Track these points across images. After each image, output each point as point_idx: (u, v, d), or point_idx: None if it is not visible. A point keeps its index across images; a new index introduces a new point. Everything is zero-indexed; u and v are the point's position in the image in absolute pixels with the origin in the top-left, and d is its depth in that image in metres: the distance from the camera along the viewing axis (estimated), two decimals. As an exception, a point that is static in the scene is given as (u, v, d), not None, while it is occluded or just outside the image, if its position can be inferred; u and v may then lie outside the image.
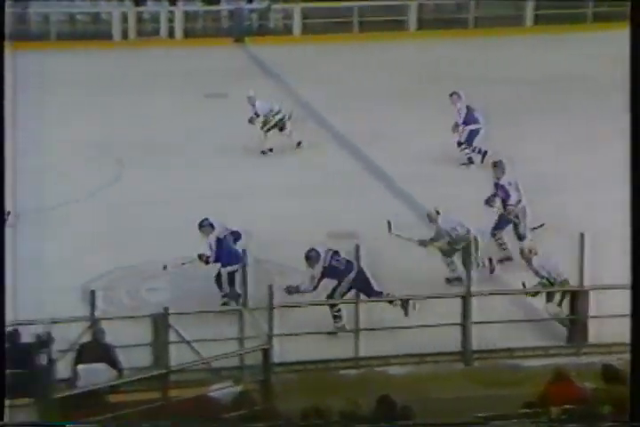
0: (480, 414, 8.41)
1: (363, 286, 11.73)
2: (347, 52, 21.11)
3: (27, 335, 9.95)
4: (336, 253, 11.85)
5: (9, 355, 9.73)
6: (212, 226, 12.13)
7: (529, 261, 11.70)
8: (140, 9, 23.07)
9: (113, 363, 10.16)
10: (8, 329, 9.97)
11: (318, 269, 11.72)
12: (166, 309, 10.73)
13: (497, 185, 13.29)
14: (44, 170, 15.73)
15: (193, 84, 19.33)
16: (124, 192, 15.21)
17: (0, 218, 7.72)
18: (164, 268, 12.32)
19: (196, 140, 16.94)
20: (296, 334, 11.41)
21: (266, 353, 10.00)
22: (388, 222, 12.57)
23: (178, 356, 10.20)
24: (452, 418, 8.46)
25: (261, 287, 11.09)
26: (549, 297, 11.58)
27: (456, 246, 12.46)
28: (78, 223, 14.14)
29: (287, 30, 23.23)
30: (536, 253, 11.73)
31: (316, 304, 11.72)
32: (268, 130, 16.52)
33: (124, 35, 22.73)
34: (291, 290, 11.70)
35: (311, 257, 11.76)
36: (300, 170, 15.97)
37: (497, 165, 13.42)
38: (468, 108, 15.92)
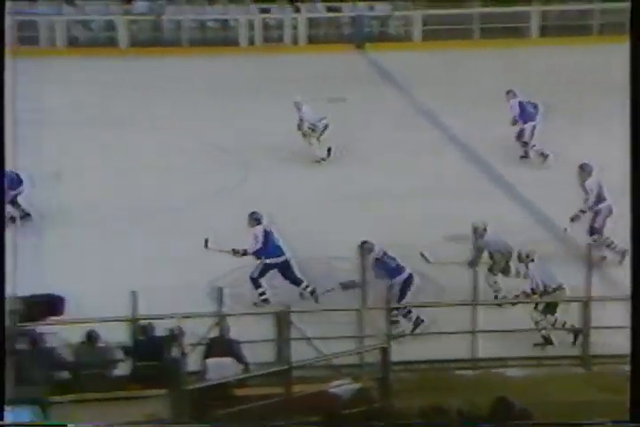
0: (599, 419, 8.28)
1: (405, 292, 11.70)
2: (467, 59, 20.95)
3: (160, 329, 10.17)
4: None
5: (144, 347, 10.04)
6: (258, 220, 12.45)
7: (526, 266, 11.55)
8: (266, 16, 23.33)
9: (239, 358, 10.31)
10: (143, 323, 10.29)
11: (370, 259, 11.78)
12: (288, 306, 10.85)
13: (583, 187, 13.19)
14: (175, 170, 16.11)
15: (315, 88, 19.45)
16: (250, 193, 15.38)
17: (0, 219, 7.50)
18: (206, 244, 12.42)
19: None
20: (415, 334, 11.49)
21: (384, 352, 10.02)
22: (422, 254, 12.40)
23: (299, 352, 10.32)
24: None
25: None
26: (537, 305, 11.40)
27: (501, 260, 12.22)
28: (205, 222, 14.35)
29: (407, 37, 23.21)
30: (532, 260, 11.56)
31: (433, 306, 11.71)
32: (317, 138, 16.42)
33: (251, 41, 23.02)
34: (346, 286, 11.81)
35: (365, 247, 11.85)
36: (419, 173, 15.94)
37: (583, 168, 13.30)
38: (523, 104, 16.08)
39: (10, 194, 13.84)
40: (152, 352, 9.95)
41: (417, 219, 14.09)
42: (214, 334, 10.44)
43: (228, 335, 10.50)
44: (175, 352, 9.96)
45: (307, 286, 12.44)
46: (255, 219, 12.53)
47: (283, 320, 10.66)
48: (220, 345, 10.31)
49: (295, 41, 23.11)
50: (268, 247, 12.35)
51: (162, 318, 10.32)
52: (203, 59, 21.46)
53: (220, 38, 23.02)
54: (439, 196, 15.01)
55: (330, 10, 23.59)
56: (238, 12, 23.29)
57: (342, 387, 9.81)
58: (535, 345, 11.37)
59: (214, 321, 10.53)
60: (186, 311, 10.56)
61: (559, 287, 11.39)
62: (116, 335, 10.26)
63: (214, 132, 17.46)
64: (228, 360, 10.18)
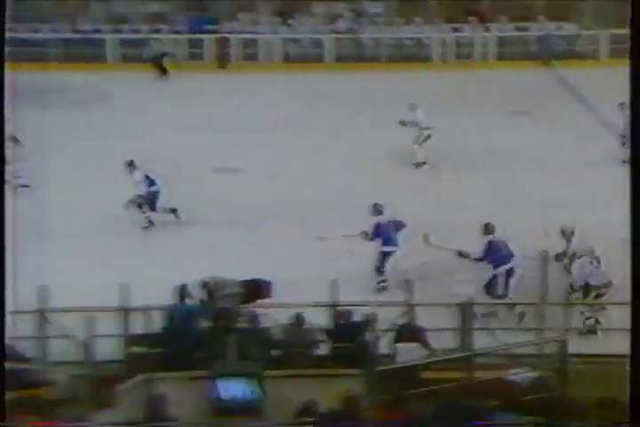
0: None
1: (508, 282, 11.56)
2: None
3: (357, 315, 10.35)
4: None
5: (343, 331, 10.20)
6: (379, 211, 12.52)
7: (570, 263, 11.15)
8: (458, 35, 23.28)
9: (425, 343, 10.37)
10: (342, 309, 10.47)
11: (486, 240, 11.81)
12: (472, 299, 10.84)
13: None
14: (368, 173, 16.28)
15: (502, 102, 19.32)
16: (439, 195, 15.40)
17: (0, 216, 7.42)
18: (319, 238, 12.65)
19: (497, 152, 16.93)
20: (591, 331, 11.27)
21: (562, 344, 9.88)
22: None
23: (480, 341, 10.30)
24: None
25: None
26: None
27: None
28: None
29: (594, 55, 22.63)
30: (580, 257, 11.03)
31: (608, 304, 11.44)
32: (419, 144, 16.51)
33: (444, 58, 23.01)
34: (462, 255, 11.89)
35: (488, 229, 11.89)
36: (600, 183, 15.57)
37: None
38: None
39: (148, 192, 14.24)
40: (349, 335, 10.11)
41: (595, 226, 13.74)
42: (403, 321, 10.55)
43: (416, 323, 10.59)
44: (369, 336, 10.11)
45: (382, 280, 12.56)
46: (377, 210, 12.64)
47: (466, 311, 10.67)
48: (409, 331, 10.40)
49: (485, 58, 22.97)
50: (383, 237, 12.47)
51: (358, 305, 10.50)
52: (399, 74, 21.64)
53: (415, 55, 23.17)
54: (620, 204, 14.57)
55: (518, 29, 23.35)
56: (432, 31, 23.35)
57: (521, 375, 9.72)
58: (580, 335, 11.07)
59: (404, 310, 10.64)
60: (378, 300, 10.77)
61: (604, 285, 11.02)
62: (318, 319, 10.49)
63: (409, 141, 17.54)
64: (414, 345, 10.27)
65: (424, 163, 16.60)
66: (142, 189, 14.23)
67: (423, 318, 10.69)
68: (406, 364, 9.78)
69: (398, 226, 12.62)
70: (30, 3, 22.95)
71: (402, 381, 9.49)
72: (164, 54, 21.94)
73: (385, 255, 12.56)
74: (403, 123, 16.55)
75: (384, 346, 10.24)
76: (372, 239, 12.53)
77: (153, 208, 14.31)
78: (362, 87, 20.58)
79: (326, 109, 19.19)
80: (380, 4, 23.96)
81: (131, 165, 14.35)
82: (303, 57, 23.08)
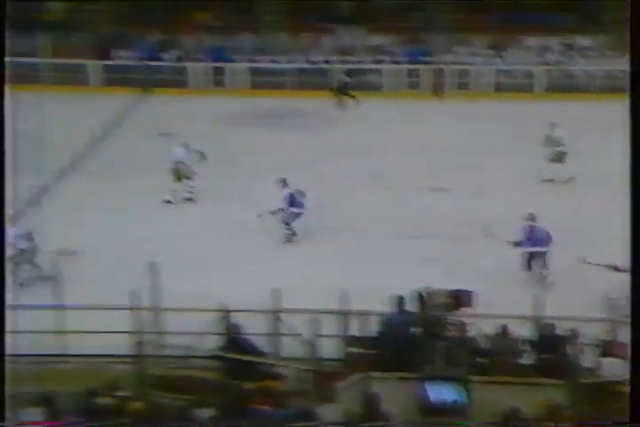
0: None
1: None
2: None
3: (561, 329, 10.06)
4: None
5: (546, 343, 9.92)
6: (532, 219, 12.78)
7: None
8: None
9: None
10: (547, 322, 10.16)
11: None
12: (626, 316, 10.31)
13: None
14: (518, 190, 16.03)
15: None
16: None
17: (0, 219, 6.83)
18: (483, 230, 12.77)
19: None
20: None
21: None
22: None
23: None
24: None
25: None
26: None
27: None
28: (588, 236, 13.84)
29: None
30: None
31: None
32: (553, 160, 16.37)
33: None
34: (618, 269, 11.39)
35: None
36: None
37: None
38: None
39: (289, 210, 14.10)
40: (552, 347, 9.85)
41: None
42: (608, 337, 10.14)
43: (620, 339, 10.14)
44: (572, 349, 9.80)
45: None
46: (531, 218, 12.87)
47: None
48: (613, 347, 9.99)
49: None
50: (531, 239, 12.70)
51: (563, 320, 10.19)
52: (611, 102, 21.06)
53: (625, 86, 22.38)
54: None
55: None
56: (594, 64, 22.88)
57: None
58: None
59: (608, 327, 10.23)
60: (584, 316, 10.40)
61: None
62: (522, 330, 10.26)
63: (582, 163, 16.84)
64: (619, 361, 9.84)
65: (571, 179, 16.45)
66: (284, 205, 14.22)
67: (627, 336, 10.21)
68: (611, 378, 9.40)
69: (545, 233, 12.73)
70: (273, 36, 23.91)
71: (604, 394, 9.12)
72: (346, 84, 22.07)
73: (531, 256, 12.71)
74: (547, 140, 16.52)
75: (587, 360, 9.88)
76: (520, 242, 12.68)
77: (288, 225, 14.29)
78: (570, 115, 20.05)
79: (532, 134, 18.83)
80: (590, 38, 23.44)
81: (282, 182, 14.42)
82: (514, 87, 22.82)
